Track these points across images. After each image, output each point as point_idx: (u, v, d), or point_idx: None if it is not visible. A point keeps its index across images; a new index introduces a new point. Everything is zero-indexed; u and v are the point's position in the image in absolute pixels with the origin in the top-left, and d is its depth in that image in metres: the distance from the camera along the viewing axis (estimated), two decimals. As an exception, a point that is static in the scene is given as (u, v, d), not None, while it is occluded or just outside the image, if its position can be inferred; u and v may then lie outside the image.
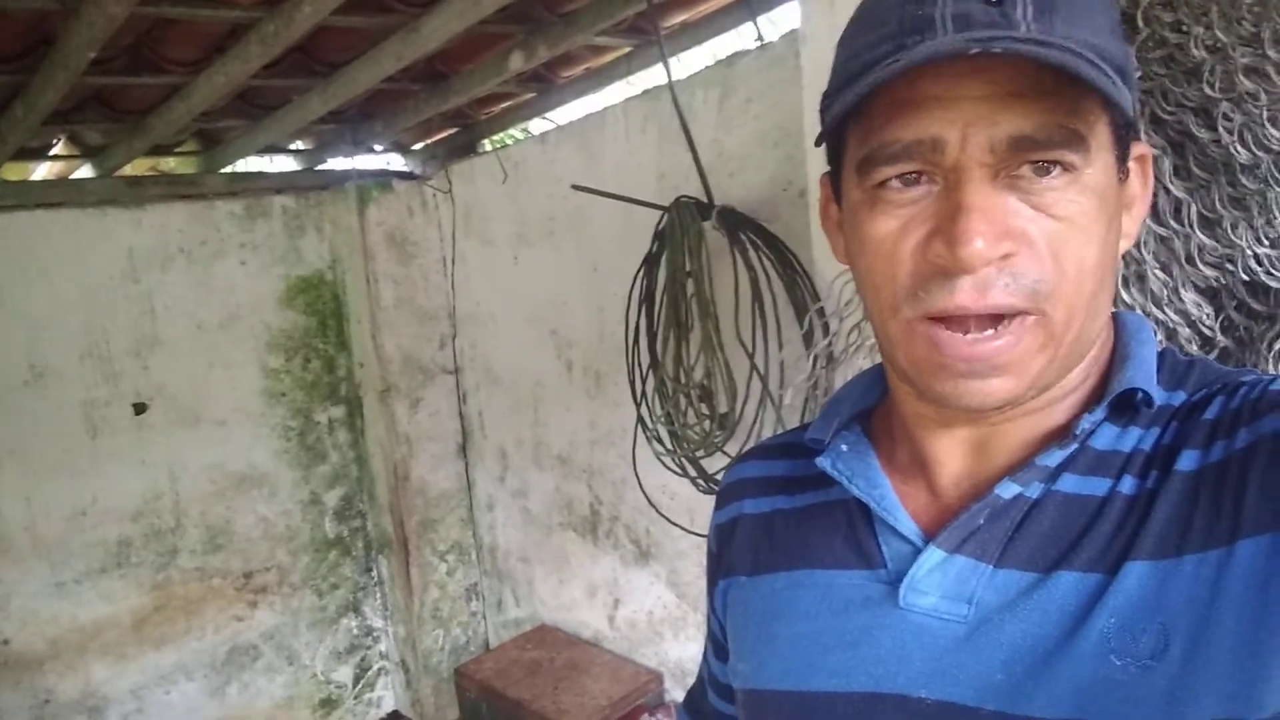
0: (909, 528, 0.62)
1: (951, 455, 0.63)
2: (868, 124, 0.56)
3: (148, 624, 3.10)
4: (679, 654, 2.72)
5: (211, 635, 3.23)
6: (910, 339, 0.57)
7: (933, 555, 0.60)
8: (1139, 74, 0.99)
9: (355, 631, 3.56)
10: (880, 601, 0.62)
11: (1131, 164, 0.60)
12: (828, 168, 0.66)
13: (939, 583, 0.59)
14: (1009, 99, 0.51)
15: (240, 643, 3.29)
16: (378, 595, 3.61)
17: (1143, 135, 0.99)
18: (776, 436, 0.83)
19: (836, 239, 0.67)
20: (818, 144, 0.61)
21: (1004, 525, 0.58)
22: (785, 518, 0.72)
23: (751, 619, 0.71)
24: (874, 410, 0.72)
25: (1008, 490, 0.58)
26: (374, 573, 3.60)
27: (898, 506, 0.63)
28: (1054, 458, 0.58)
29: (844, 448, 0.67)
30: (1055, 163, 0.53)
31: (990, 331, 0.54)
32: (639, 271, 2.11)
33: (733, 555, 0.76)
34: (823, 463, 0.67)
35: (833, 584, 0.65)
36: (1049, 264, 0.53)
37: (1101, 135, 0.54)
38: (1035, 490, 0.58)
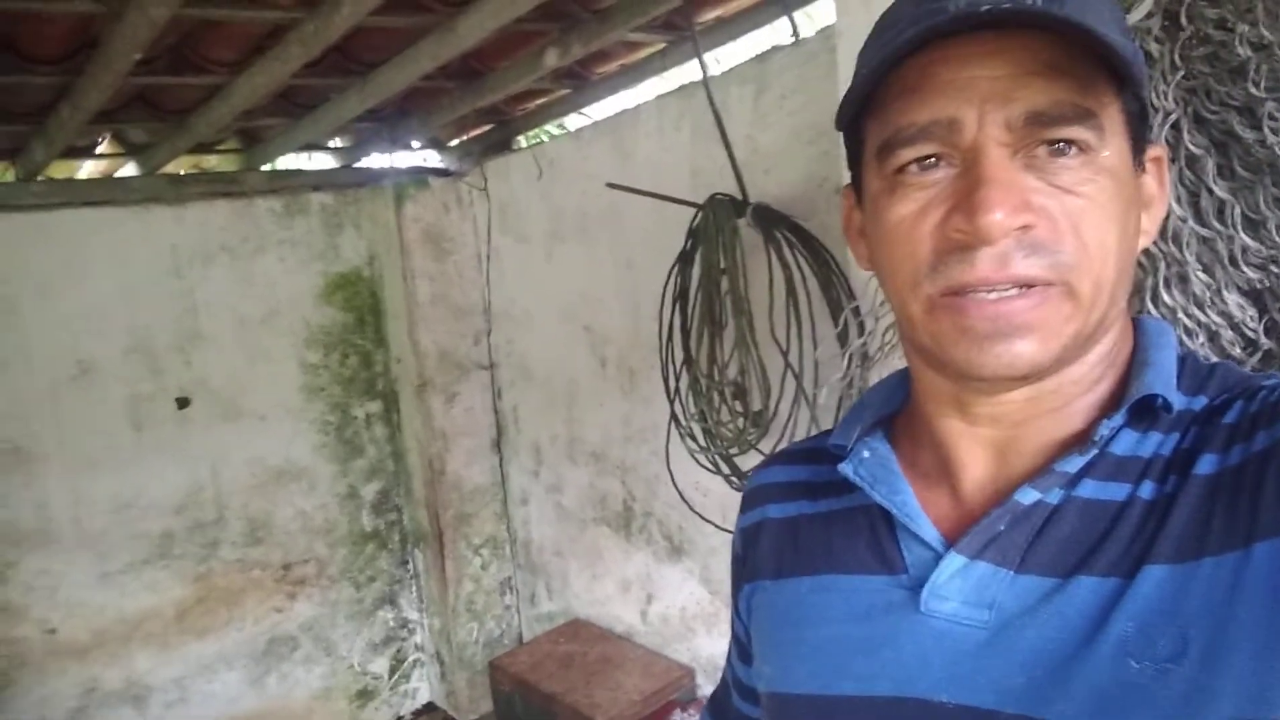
0: (930, 534, 0.62)
1: (974, 459, 0.63)
2: (884, 114, 0.58)
3: (190, 615, 3.17)
4: (711, 650, 2.72)
5: (251, 626, 3.29)
6: (932, 314, 0.57)
7: (954, 561, 0.60)
8: (1182, 73, 0.98)
9: (391, 623, 3.61)
10: (902, 607, 0.62)
11: (1148, 164, 0.61)
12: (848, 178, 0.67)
13: (960, 589, 0.60)
14: (1024, 78, 0.53)
15: (279, 634, 3.35)
16: (413, 588, 3.65)
17: (1185, 135, 0.98)
18: (801, 442, 0.84)
19: (859, 246, 0.68)
20: (838, 128, 0.62)
21: (1024, 531, 0.58)
22: (809, 522, 0.72)
23: (776, 623, 0.71)
24: (897, 416, 0.72)
25: (1028, 496, 0.58)
26: (410, 566, 3.64)
27: (919, 513, 0.63)
28: (1074, 464, 0.58)
29: (866, 454, 0.67)
30: (1070, 142, 0.53)
31: (1014, 292, 0.54)
32: (673, 268, 2.11)
33: (757, 559, 0.76)
34: (845, 469, 0.67)
35: (856, 589, 0.65)
36: (1070, 238, 0.54)
37: (1115, 119, 0.55)
38: (1055, 496, 0.58)
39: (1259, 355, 1.00)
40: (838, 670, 0.64)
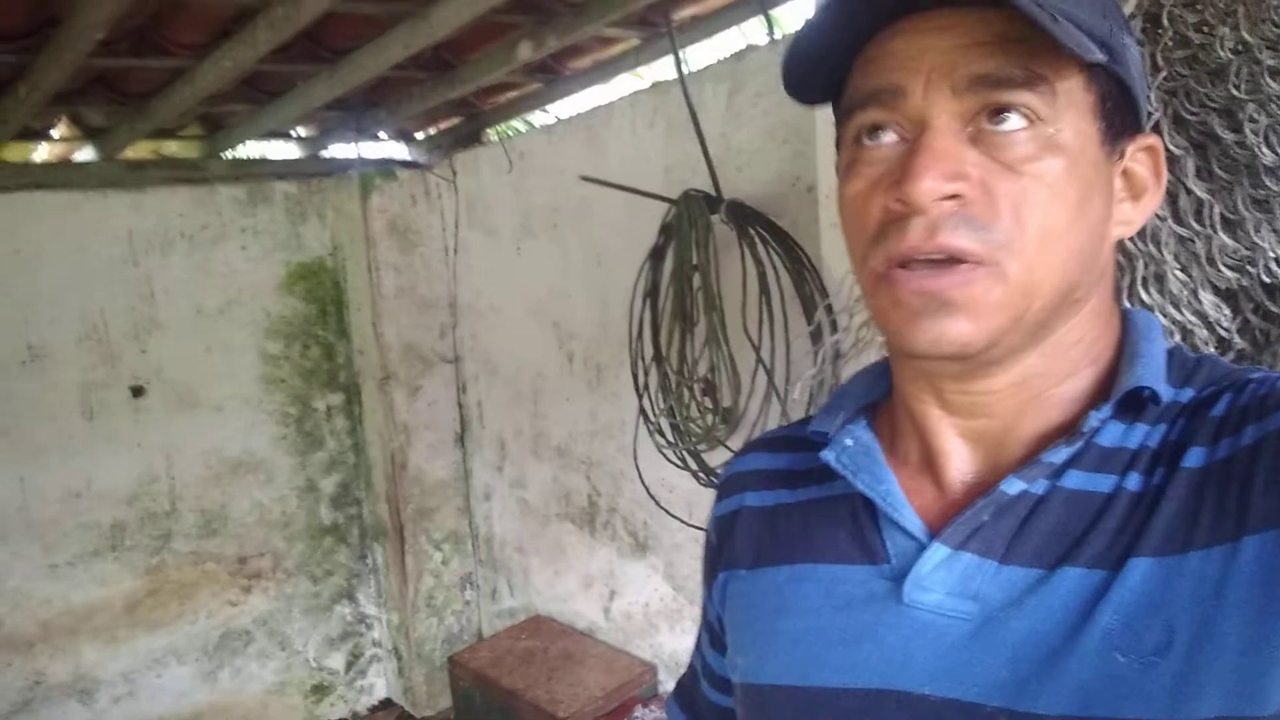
0: (914, 524, 0.61)
1: (956, 449, 0.63)
2: (849, 88, 0.59)
3: (140, 607, 3.09)
4: (674, 646, 2.72)
5: (204, 620, 3.22)
6: (876, 288, 0.57)
7: (937, 552, 0.59)
8: (1163, 74, 0.99)
9: (349, 618, 3.56)
10: (884, 598, 0.61)
11: (1140, 153, 0.60)
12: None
13: (943, 580, 0.59)
14: (974, 47, 0.53)
15: (233, 628, 3.28)
16: (372, 583, 3.60)
17: (1165, 135, 0.99)
18: (779, 429, 0.82)
19: None
20: (789, 90, 0.63)
21: (1009, 522, 0.58)
22: (788, 511, 0.71)
23: (752, 613, 0.70)
24: (879, 405, 0.71)
25: (1013, 486, 0.58)
26: (369, 560, 3.59)
27: (903, 502, 0.62)
28: (1060, 454, 0.57)
29: (849, 442, 0.66)
30: (1020, 111, 0.53)
31: (943, 267, 0.54)
32: (644, 264, 2.10)
33: (733, 548, 0.75)
34: (827, 456, 0.66)
35: (836, 579, 0.64)
36: (1006, 217, 0.53)
37: (1074, 93, 0.54)
38: (1040, 487, 0.58)
39: (1232, 355, 1.02)
40: (817, 661, 0.63)
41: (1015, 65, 0.52)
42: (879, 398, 0.71)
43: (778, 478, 0.74)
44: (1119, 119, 0.57)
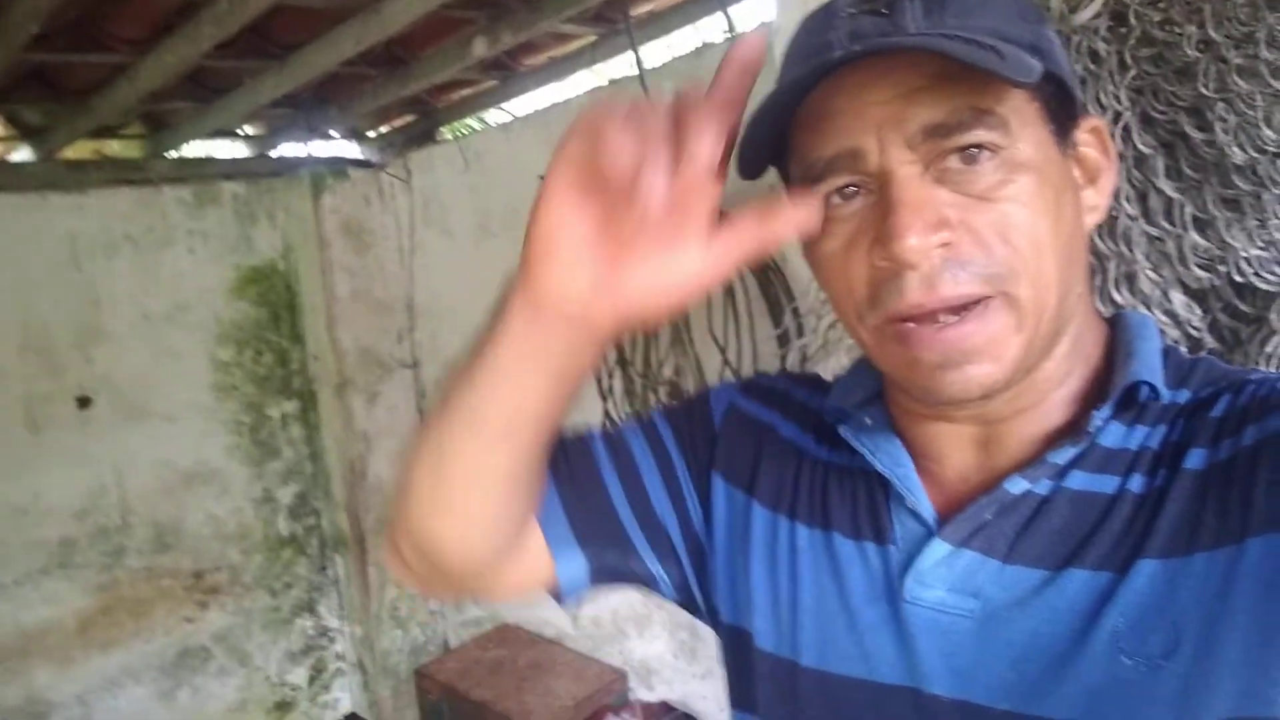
0: (927, 509, 0.61)
1: (957, 450, 0.62)
2: (796, 147, 0.58)
3: (93, 626, 2.99)
4: (644, 652, 2.69)
5: (160, 637, 3.13)
6: (881, 343, 0.57)
7: (939, 548, 0.59)
8: (1131, 73, 0.98)
9: (310, 632, 3.48)
10: (888, 591, 0.62)
11: (1085, 136, 0.60)
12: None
13: (945, 576, 0.59)
14: (915, 94, 0.52)
15: (190, 645, 3.19)
16: (333, 595, 3.53)
17: (1134, 135, 0.98)
18: (798, 382, 0.79)
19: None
20: (743, 175, 0.59)
21: (1013, 521, 0.58)
22: (811, 466, 0.70)
23: (770, 564, 0.69)
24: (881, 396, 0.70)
25: (1017, 486, 0.58)
26: (329, 572, 3.51)
27: (919, 486, 0.62)
28: (1066, 454, 0.57)
29: (868, 421, 0.66)
30: (979, 146, 0.53)
31: (956, 318, 0.54)
32: (607, 265, 2.07)
33: (745, 463, 0.73)
34: (845, 433, 0.66)
35: (850, 559, 0.64)
36: (998, 246, 0.53)
37: (1025, 111, 0.54)
38: (1044, 487, 0.58)
39: (1203, 354, 1.02)
40: (832, 646, 0.64)
41: (962, 109, 0.52)
42: (879, 390, 0.70)
43: (809, 422, 0.72)
44: (1063, 113, 0.57)
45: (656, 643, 2.64)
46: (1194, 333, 1.00)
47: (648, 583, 0.76)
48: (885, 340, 0.57)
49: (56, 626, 2.92)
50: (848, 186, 0.55)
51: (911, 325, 0.54)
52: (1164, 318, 1.00)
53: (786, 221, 0.50)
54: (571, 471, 0.74)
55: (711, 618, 0.75)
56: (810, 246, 0.60)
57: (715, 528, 0.73)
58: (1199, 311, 0.99)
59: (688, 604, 0.77)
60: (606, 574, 0.74)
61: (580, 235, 0.51)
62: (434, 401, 0.64)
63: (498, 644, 3.03)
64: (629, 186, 0.46)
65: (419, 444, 0.64)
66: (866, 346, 0.59)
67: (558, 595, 0.74)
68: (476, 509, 0.63)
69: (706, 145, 0.46)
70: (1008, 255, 0.53)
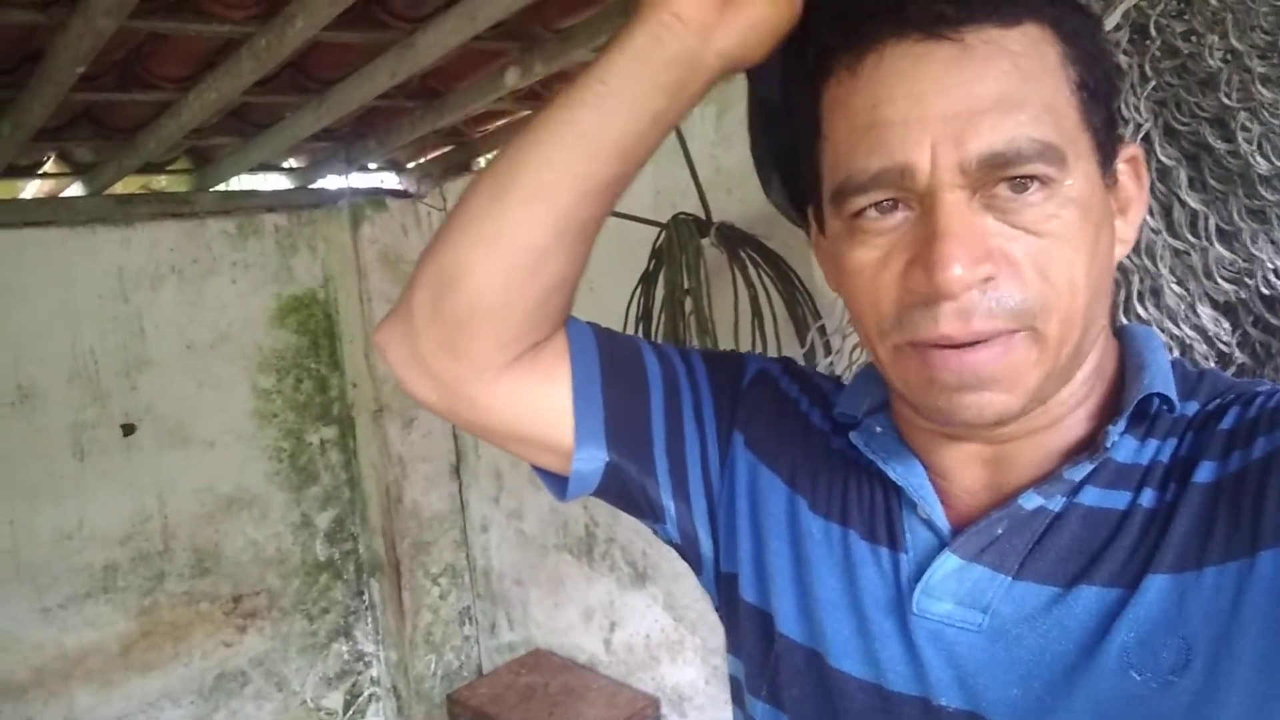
0: (941, 520, 0.61)
1: (965, 466, 0.61)
2: (835, 153, 0.56)
3: (134, 650, 3.04)
4: (676, 679, 2.67)
5: (199, 661, 3.17)
6: (900, 362, 0.56)
7: (949, 562, 0.59)
8: (1152, 84, 0.97)
9: (346, 657, 3.50)
10: (897, 601, 0.61)
11: (1123, 166, 0.59)
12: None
13: (954, 590, 0.58)
14: (976, 117, 0.50)
15: (228, 669, 3.23)
16: (369, 620, 3.55)
17: (1156, 147, 0.97)
18: (823, 378, 0.78)
19: (828, 268, 0.65)
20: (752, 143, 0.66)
21: (1024, 537, 0.57)
22: (829, 457, 0.69)
23: (781, 540, 0.68)
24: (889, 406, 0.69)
25: (1031, 502, 0.57)
26: (365, 596, 3.54)
27: (933, 496, 0.61)
28: (1082, 470, 0.56)
29: (878, 429, 0.65)
30: (1032, 178, 0.51)
31: (980, 345, 0.53)
32: (636, 289, 2.08)
33: (772, 437, 0.71)
34: (857, 439, 0.65)
35: (864, 560, 0.64)
36: (1035, 283, 0.52)
37: (1080, 143, 0.53)
38: (1057, 503, 0.57)
39: (1233, 369, 1.00)
40: (844, 645, 0.63)
41: (1023, 139, 0.50)
42: (887, 399, 0.69)
43: (830, 414, 0.71)
44: (1108, 141, 0.56)
45: (689, 669, 2.61)
46: (1223, 347, 0.98)
47: (651, 512, 0.73)
48: (903, 359, 0.56)
49: (99, 649, 2.97)
50: (887, 200, 0.54)
51: (932, 348, 0.54)
52: (1191, 333, 0.98)
53: None
54: (618, 363, 0.71)
55: (725, 585, 0.73)
56: (838, 255, 0.59)
57: (736, 491, 0.71)
58: (1227, 325, 0.97)
59: (687, 551, 0.75)
60: (617, 485, 0.72)
61: None
62: (515, 135, 0.65)
63: (530, 669, 3.02)
64: None
65: (486, 170, 0.64)
66: (882, 362, 0.58)
67: (562, 484, 0.71)
68: (527, 237, 0.62)
69: None
70: (1044, 291, 0.52)
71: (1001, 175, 0.51)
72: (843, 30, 0.55)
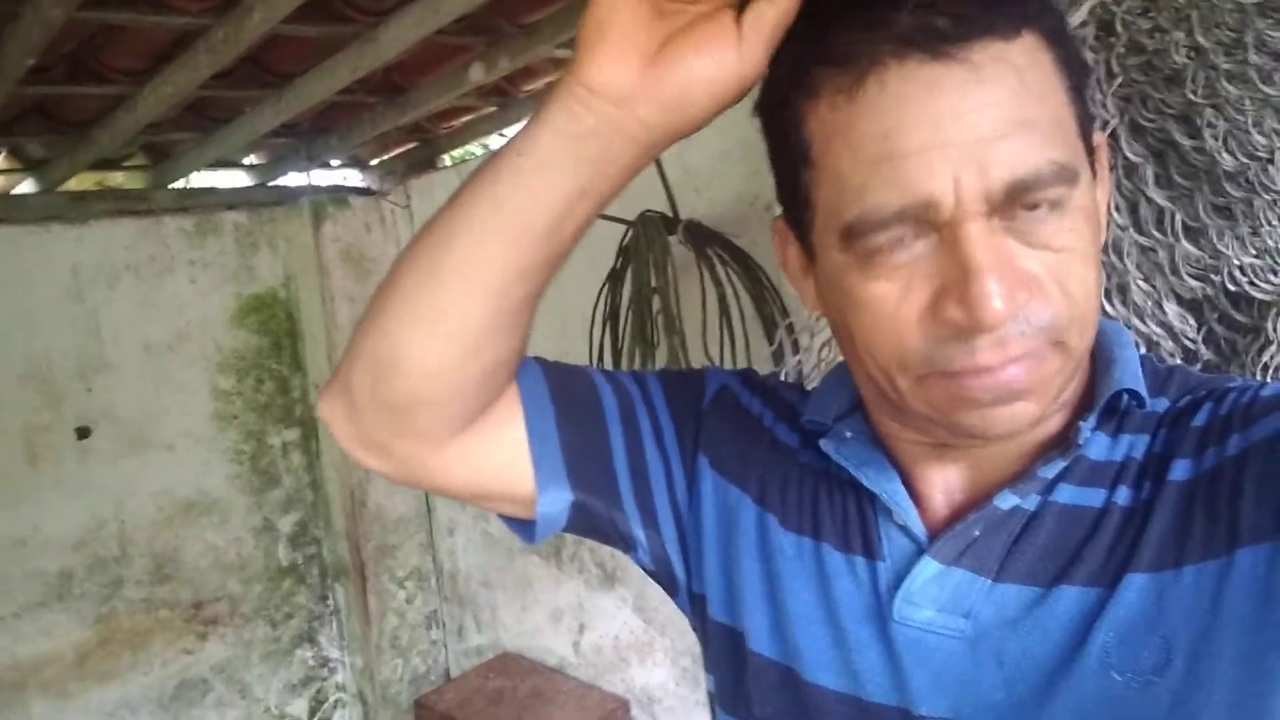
0: (918, 526, 0.59)
1: (943, 467, 0.61)
2: (839, 186, 0.52)
3: (91, 659, 2.96)
4: (645, 680, 2.66)
5: (159, 670, 3.10)
6: (925, 387, 0.54)
7: (928, 567, 0.58)
8: (1119, 80, 0.97)
9: (310, 663, 3.44)
10: (876, 609, 0.60)
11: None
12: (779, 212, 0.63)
13: (935, 596, 0.57)
14: (996, 143, 0.48)
15: (189, 676, 3.16)
16: (334, 625, 3.49)
17: (1123, 144, 0.97)
18: (786, 388, 0.76)
19: (804, 286, 0.62)
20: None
21: (1001, 538, 0.56)
22: (800, 471, 0.67)
23: (759, 564, 0.66)
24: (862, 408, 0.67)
25: (1006, 501, 0.56)
26: (330, 601, 3.48)
27: (909, 503, 0.60)
28: (1055, 468, 0.56)
29: (848, 434, 0.63)
30: (1048, 202, 0.50)
31: (1010, 362, 0.52)
32: (603, 288, 2.06)
33: (737, 455, 0.69)
34: (827, 446, 0.63)
35: (839, 572, 0.62)
36: (1059, 298, 0.51)
37: (1079, 150, 0.52)
38: (1032, 502, 0.57)
39: (1198, 366, 1.00)
40: (818, 657, 0.62)
41: (1041, 163, 0.49)
42: (858, 401, 0.67)
43: (796, 425, 0.69)
44: (1089, 136, 0.55)
45: (658, 670, 2.60)
46: (1189, 344, 0.98)
47: (624, 543, 0.72)
48: (929, 386, 0.53)
49: (54, 659, 2.90)
50: (899, 237, 0.51)
51: (966, 374, 0.52)
52: (1158, 329, 0.98)
53: None
54: (571, 401, 0.69)
55: (696, 606, 0.72)
56: (842, 287, 0.55)
57: (703, 512, 0.70)
58: (1193, 322, 0.97)
59: (662, 578, 0.74)
60: (585, 522, 0.70)
61: (630, 24, 0.53)
62: (443, 204, 0.61)
63: (499, 673, 3.00)
64: None
65: (415, 244, 0.61)
66: (899, 389, 0.55)
67: (529, 527, 0.70)
68: (462, 319, 0.59)
69: None
70: (1066, 306, 0.51)
71: (1024, 200, 0.50)
72: (832, 50, 0.51)
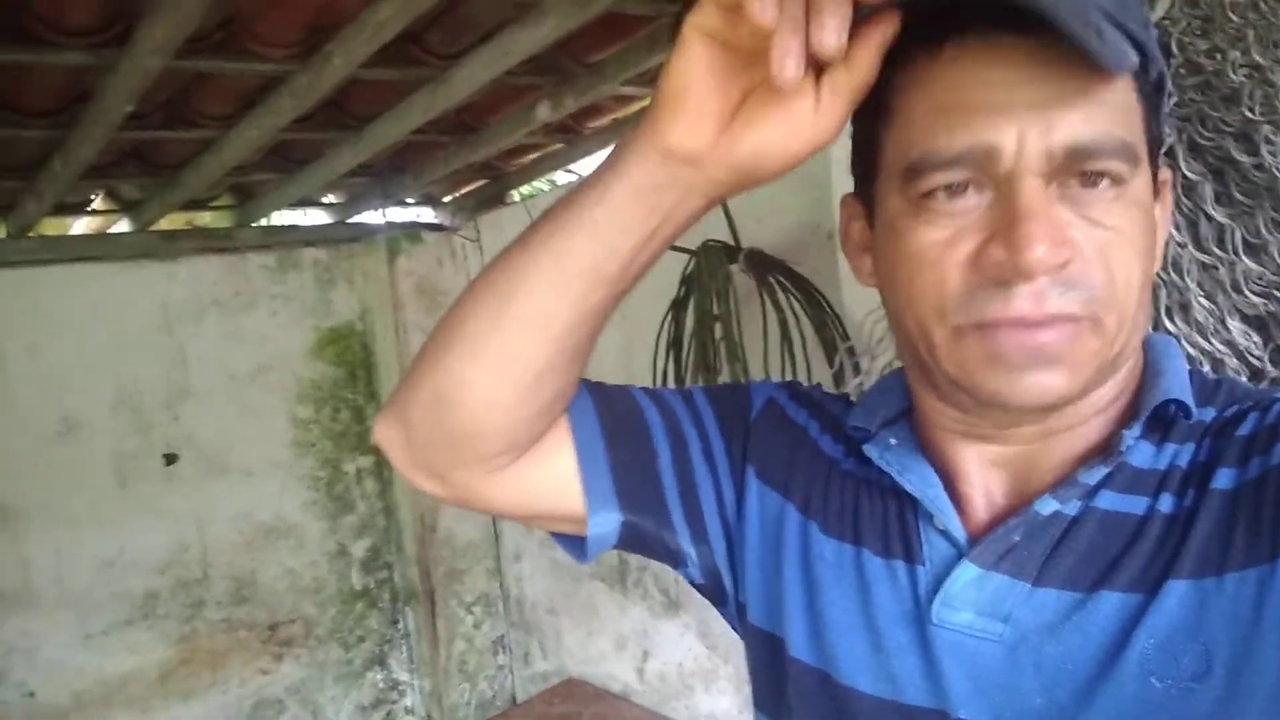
0: (959, 531, 0.60)
1: (986, 471, 0.61)
2: (908, 131, 0.55)
3: (173, 677, 3.07)
4: (710, 707, 2.64)
5: (236, 689, 3.19)
6: (960, 344, 0.55)
7: (968, 571, 0.58)
8: (1175, 100, 0.98)
9: (381, 685, 3.51)
10: (915, 612, 0.61)
11: (1159, 187, 0.59)
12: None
13: (974, 599, 0.58)
14: (1064, 106, 0.50)
15: (265, 696, 3.25)
16: (404, 648, 3.56)
17: (1181, 162, 0.97)
18: (831, 399, 0.78)
19: (860, 259, 0.65)
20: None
21: (1042, 543, 0.57)
22: (842, 478, 0.69)
23: (799, 570, 0.67)
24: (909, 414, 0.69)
25: (1047, 506, 0.57)
26: (400, 625, 3.55)
27: (950, 507, 0.61)
28: (1097, 474, 0.56)
29: (893, 441, 0.65)
30: (1103, 174, 0.52)
31: (1046, 325, 0.52)
32: (666, 316, 2.10)
33: (778, 461, 0.71)
34: (871, 451, 0.65)
35: (878, 577, 0.63)
36: (1100, 273, 0.52)
37: (1142, 148, 0.54)
38: (1073, 508, 0.57)
39: (1265, 384, 0.99)
40: (858, 662, 0.63)
41: (1107, 135, 0.51)
42: (906, 407, 0.68)
43: (840, 435, 0.71)
44: (1156, 155, 0.57)
45: (723, 698, 2.59)
46: (1255, 361, 0.97)
47: (673, 559, 0.74)
48: (963, 341, 0.54)
49: (139, 676, 3.01)
50: (959, 183, 0.53)
51: (998, 329, 0.53)
52: (1222, 347, 0.97)
53: (875, 45, 0.51)
54: (619, 423, 0.71)
55: (739, 614, 0.73)
56: (897, 236, 0.57)
57: (748, 523, 0.71)
58: (1258, 340, 0.96)
59: (711, 590, 0.75)
60: (635, 540, 0.72)
61: (709, 88, 0.53)
62: (509, 246, 0.63)
63: (564, 699, 3.01)
64: (762, 45, 0.48)
65: (481, 285, 0.62)
66: (936, 346, 0.56)
67: (580, 545, 0.72)
68: (526, 362, 0.61)
69: (832, 34, 0.46)
70: (1107, 283, 0.52)
71: (1081, 167, 0.51)
72: (926, 21, 0.53)
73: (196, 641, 3.11)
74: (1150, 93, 0.55)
